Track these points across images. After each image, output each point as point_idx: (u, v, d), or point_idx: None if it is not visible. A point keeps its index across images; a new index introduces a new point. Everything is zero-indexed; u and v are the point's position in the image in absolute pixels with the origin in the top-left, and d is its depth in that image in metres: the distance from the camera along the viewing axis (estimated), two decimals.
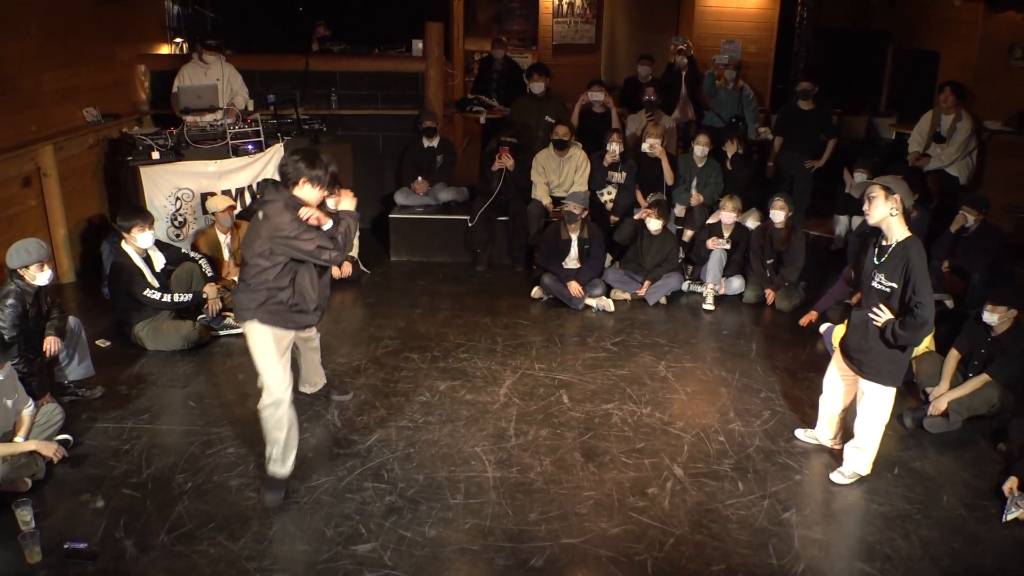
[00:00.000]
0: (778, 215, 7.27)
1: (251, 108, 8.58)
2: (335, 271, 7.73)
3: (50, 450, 4.74)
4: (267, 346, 4.51)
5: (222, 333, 6.70)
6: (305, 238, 4.34)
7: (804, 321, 6.71)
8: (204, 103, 8.08)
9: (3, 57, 6.99)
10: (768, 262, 7.45)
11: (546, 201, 8.28)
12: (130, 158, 7.46)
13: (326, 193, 4.54)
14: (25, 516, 4.27)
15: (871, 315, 4.53)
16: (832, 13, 11.54)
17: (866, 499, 4.78)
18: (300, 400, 5.64)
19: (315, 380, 5.72)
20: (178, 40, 10.06)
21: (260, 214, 4.42)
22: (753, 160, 9.32)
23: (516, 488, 4.78)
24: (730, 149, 8.36)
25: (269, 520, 4.47)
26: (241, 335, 6.57)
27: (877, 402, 4.68)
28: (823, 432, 5.22)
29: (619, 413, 5.62)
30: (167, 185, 7.48)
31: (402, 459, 5.05)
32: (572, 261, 7.48)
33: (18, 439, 4.76)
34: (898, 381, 4.68)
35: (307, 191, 4.41)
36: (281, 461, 4.62)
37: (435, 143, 8.83)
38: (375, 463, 5.00)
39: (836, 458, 5.05)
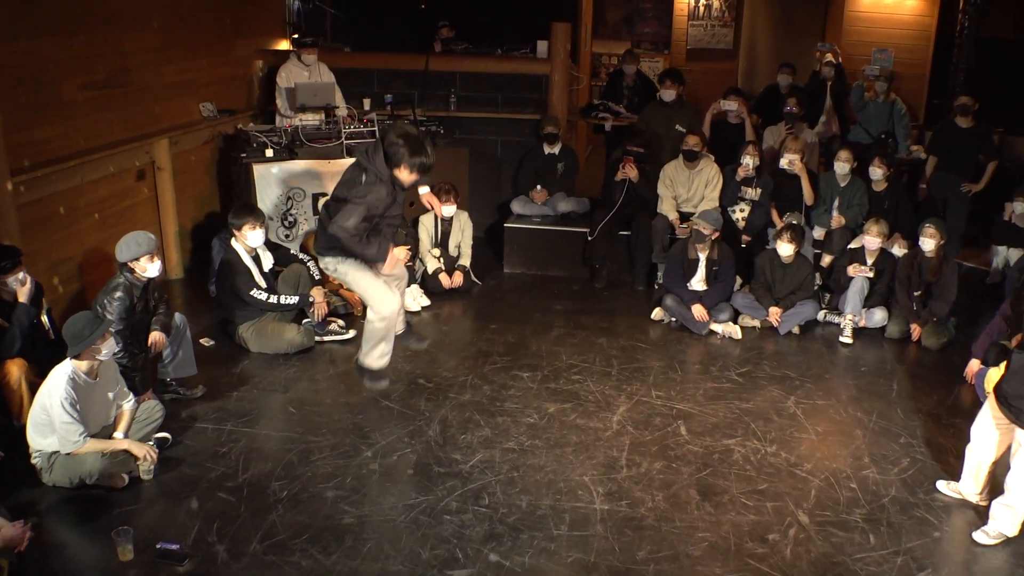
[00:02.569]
0: (928, 243, 7.00)
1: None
2: (445, 280, 7.83)
3: (142, 451, 4.92)
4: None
5: (326, 339, 6.84)
6: (351, 210, 5.21)
7: (969, 373, 6.30)
8: (320, 101, 8.32)
9: (124, 49, 7.32)
10: (916, 294, 7.16)
11: (672, 216, 8.17)
12: (244, 155, 7.73)
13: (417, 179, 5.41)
14: None
15: None
16: (996, 22, 11.06)
17: (1012, 563, 4.53)
18: (401, 414, 5.74)
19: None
20: (296, 36, 10.39)
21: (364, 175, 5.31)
22: (903, 181, 9.00)
23: (625, 523, 4.72)
24: (878, 171, 8.00)
25: (364, 536, 4.54)
26: (345, 342, 6.78)
27: None
28: (968, 486, 4.98)
29: (741, 450, 5.50)
30: (279, 184, 7.73)
31: (505, 483, 5.05)
32: (698, 282, 7.36)
33: (117, 434, 4.98)
34: None
35: (404, 175, 5.30)
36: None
37: (556, 150, 8.85)
38: (476, 485, 5.02)
39: (981, 515, 4.81)
